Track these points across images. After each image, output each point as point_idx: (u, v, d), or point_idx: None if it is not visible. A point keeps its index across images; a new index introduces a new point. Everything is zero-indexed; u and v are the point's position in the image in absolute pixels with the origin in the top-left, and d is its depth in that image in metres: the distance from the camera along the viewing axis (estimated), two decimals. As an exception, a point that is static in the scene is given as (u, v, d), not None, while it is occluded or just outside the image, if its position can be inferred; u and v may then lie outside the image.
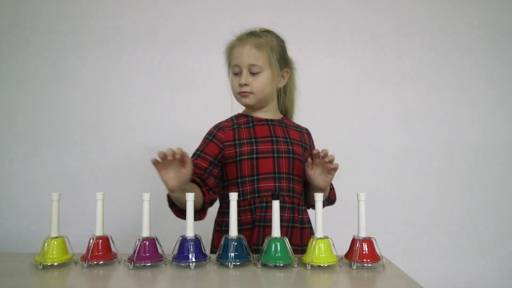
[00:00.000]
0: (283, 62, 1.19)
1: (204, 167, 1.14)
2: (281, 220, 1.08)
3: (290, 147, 1.16)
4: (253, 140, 1.15)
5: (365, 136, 1.98)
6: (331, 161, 1.04)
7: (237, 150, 1.14)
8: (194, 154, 1.16)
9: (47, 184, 1.90)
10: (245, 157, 1.13)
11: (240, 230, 1.09)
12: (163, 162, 0.95)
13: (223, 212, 1.18)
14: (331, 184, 1.24)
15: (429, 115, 1.99)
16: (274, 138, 1.16)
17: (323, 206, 1.15)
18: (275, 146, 1.15)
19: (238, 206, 1.14)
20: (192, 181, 1.12)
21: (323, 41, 2.00)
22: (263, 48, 1.14)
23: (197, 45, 1.96)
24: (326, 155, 1.03)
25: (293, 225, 1.13)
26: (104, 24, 1.98)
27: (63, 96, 1.96)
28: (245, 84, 1.13)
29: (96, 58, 1.97)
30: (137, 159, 1.92)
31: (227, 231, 1.13)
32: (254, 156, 1.13)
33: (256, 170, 1.13)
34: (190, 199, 0.91)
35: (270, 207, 1.08)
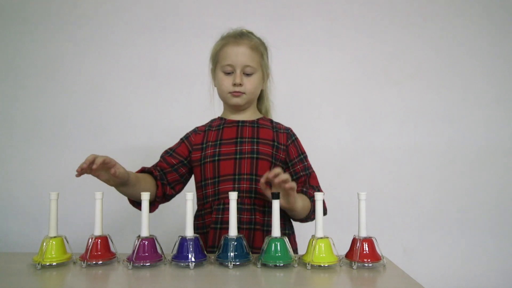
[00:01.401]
0: (268, 64, 1.22)
1: (171, 163, 1.18)
2: (240, 222, 1.08)
3: (255, 147, 1.15)
4: (218, 142, 1.17)
5: (365, 135, 1.97)
6: (285, 181, 0.95)
7: (203, 153, 1.16)
8: (167, 152, 1.21)
9: (45, 184, 1.90)
10: (208, 159, 1.15)
11: (203, 233, 1.12)
12: (90, 171, 0.95)
13: (199, 215, 1.19)
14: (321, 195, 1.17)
15: (430, 114, 1.99)
16: (239, 140, 1.16)
17: (312, 220, 1.11)
18: (238, 148, 1.15)
19: (203, 209, 1.15)
20: (150, 172, 1.14)
21: (323, 39, 1.99)
22: (257, 50, 1.16)
23: (196, 44, 1.94)
24: (276, 176, 0.95)
25: (255, 227, 1.10)
26: (103, 22, 1.97)
27: (62, 95, 1.95)
28: (240, 84, 1.14)
29: (95, 57, 1.96)
30: (136, 158, 1.90)
31: (199, 234, 1.13)
32: (216, 158, 1.14)
33: (218, 172, 1.13)
34: (189, 198, 0.91)
35: (228, 209, 1.08)
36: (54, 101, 1.95)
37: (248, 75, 1.15)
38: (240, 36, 1.15)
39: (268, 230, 1.11)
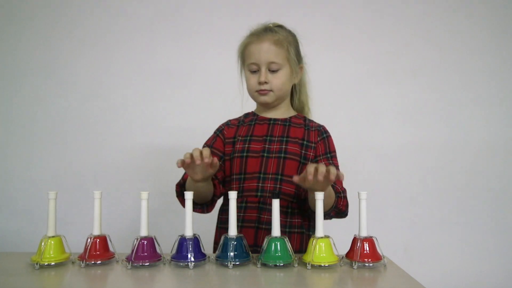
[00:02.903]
0: (299, 57, 1.18)
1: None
2: (261, 223, 1.08)
3: (283, 147, 1.13)
4: (248, 138, 1.15)
5: (366, 133, 1.97)
6: (327, 175, 0.89)
7: (233, 147, 1.15)
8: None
9: (44, 183, 1.89)
10: (237, 154, 1.14)
11: (224, 229, 1.09)
12: (190, 164, 0.94)
13: (221, 210, 1.19)
14: (342, 192, 1.11)
15: (431, 112, 1.98)
16: (268, 138, 1.15)
17: (331, 217, 1.10)
18: (266, 146, 1.13)
19: (227, 204, 1.13)
20: None
21: (325, 36, 1.98)
22: (282, 44, 1.12)
23: (196, 42, 1.94)
24: (317, 172, 0.89)
25: None
26: (101, 21, 1.97)
27: (60, 93, 1.95)
28: (265, 82, 1.11)
29: (94, 55, 1.96)
30: (135, 157, 1.91)
31: (222, 228, 1.13)
32: (244, 154, 1.13)
33: (244, 169, 1.12)
34: (189, 197, 0.90)
35: (251, 208, 1.09)
36: (52, 100, 1.94)
37: (274, 71, 1.12)
38: (263, 32, 1.12)
39: (290, 232, 1.10)
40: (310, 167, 0.90)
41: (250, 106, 1.25)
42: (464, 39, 2.01)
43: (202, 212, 1.14)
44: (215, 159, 0.96)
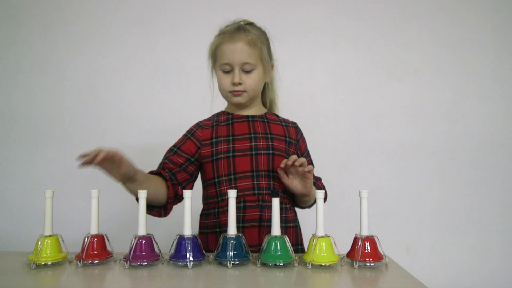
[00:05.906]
0: (271, 55, 1.18)
1: (178, 163, 1.13)
2: (263, 221, 1.08)
3: (270, 143, 1.13)
4: (230, 138, 1.13)
5: (367, 131, 1.95)
6: (302, 165, 1.01)
7: (214, 149, 1.13)
8: (171, 150, 1.16)
9: (40, 181, 1.88)
10: (222, 155, 1.12)
11: (221, 232, 1.08)
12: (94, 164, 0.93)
13: (205, 214, 1.16)
14: (323, 188, 1.22)
15: (433, 110, 1.97)
16: (252, 135, 1.14)
17: (311, 205, 1.18)
18: (253, 143, 1.12)
19: (217, 207, 1.12)
20: (158, 174, 1.12)
21: (325, 33, 1.97)
22: (256, 44, 1.11)
23: (192, 40, 1.93)
24: (294, 161, 1.01)
25: None
26: (98, 17, 1.95)
27: (57, 91, 1.93)
28: (239, 83, 1.11)
29: (90, 53, 1.94)
30: (132, 156, 1.88)
31: (209, 233, 1.12)
32: (231, 154, 1.11)
33: (233, 169, 1.11)
34: (187, 196, 0.89)
35: (249, 207, 1.08)
36: (49, 97, 1.93)
37: (247, 72, 1.11)
38: (236, 32, 1.11)
39: (286, 227, 1.11)
40: (293, 156, 1.03)
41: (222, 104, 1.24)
42: (467, 36, 1.99)
43: (160, 215, 1.12)
44: (115, 154, 0.94)
